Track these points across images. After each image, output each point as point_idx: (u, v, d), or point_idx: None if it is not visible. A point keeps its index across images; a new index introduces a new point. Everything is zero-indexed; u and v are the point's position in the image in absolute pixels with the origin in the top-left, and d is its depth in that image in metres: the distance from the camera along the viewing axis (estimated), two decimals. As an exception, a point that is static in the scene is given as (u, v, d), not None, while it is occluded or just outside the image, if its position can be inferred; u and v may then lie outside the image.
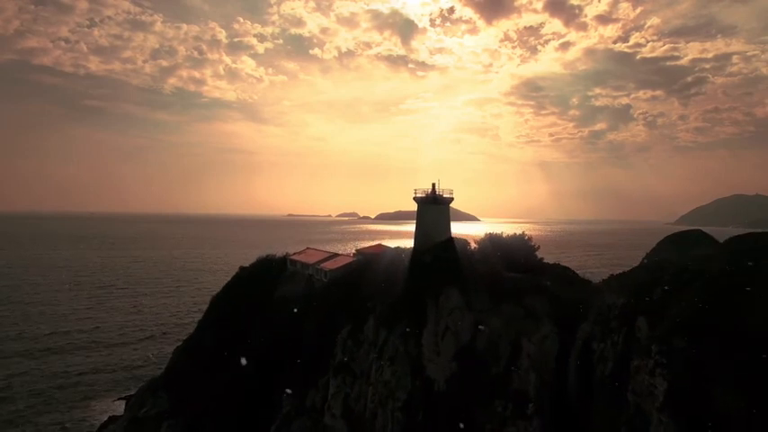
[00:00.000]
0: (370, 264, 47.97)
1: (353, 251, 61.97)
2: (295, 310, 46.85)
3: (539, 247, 52.68)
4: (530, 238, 52.42)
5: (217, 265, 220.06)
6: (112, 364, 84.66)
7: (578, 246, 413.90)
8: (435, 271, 40.17)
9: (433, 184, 49.31)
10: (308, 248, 65.07)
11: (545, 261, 53.43)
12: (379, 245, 62.31)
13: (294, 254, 62.04)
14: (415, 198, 49.24)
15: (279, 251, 66.02)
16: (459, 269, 39.56)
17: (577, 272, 52.69)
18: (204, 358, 52.33)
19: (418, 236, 48.57)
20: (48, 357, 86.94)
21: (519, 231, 54.30)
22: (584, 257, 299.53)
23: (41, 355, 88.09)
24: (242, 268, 62.27)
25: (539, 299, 36.87)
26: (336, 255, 55.92)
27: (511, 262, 48.95)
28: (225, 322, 53.90)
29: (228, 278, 63.65)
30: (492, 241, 52.74)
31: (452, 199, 49.38)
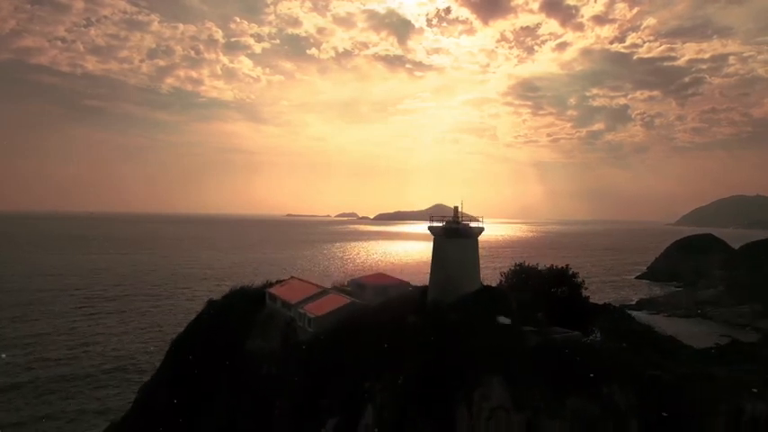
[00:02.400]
0: (368, 312, 35.79)
1: (348, 281, 50.30)
2: (270, 371, 35.13)
3: (584, 282, 41.26)
4: (574, 273, 40.76)
5: (211, 269, 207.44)
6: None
7: (580, 248, 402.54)
8: (466, 345, 27.52)
9: (456, 209, 36.64)
10: (292, 278, 52.90)
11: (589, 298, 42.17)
12: (381, 275, 50.39)
13: (276, 285, 50.00)
14: (430, 228, 36.81)
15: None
16: (503, 342, 27.15)
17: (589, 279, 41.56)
18: (155, 424, 40.63)
19: (436, 282, 35.60)
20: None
21: (559, 264, 42.44)
22: (589, 262, 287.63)
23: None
24: (210, 303, 50.05)
25: (620, 385, 24.88)
26: (325, 291, 43.69)
27: (549, 301, 37.59)
28: (184, 377, 42.07)
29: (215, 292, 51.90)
30: (524, 274, 41.37)
31: (482, 229, 36.78)
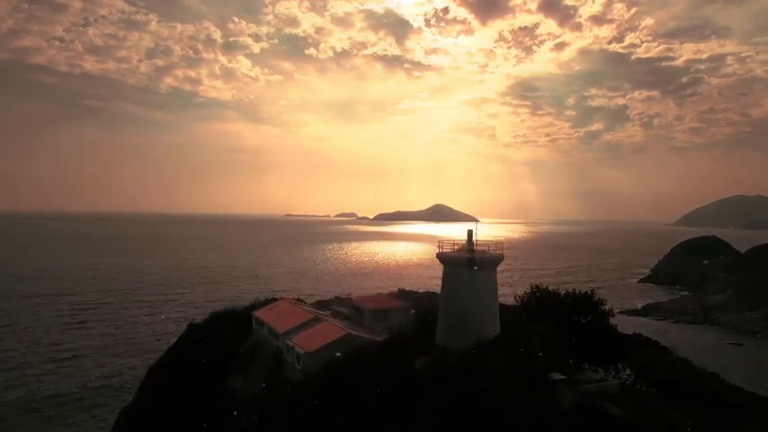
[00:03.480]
0: (367, 350, 30.80)
1: (347, 296, 45.58)
2: (250, 419, 30.24)
3: (611, 310, 36.58)
4: (600, 300, 36.02)
5: (208, 271, 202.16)
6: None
7: (580, 249, 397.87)
8: (490, 405, 22.20)
9: (470, 233, 31.11)
10: (282, 300, 47.79)
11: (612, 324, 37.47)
12: (381, 297, 45.58)
13: (264, 307, 45.08)
14: (440, 257, 31.36)
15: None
16: (538, 407, 22.02)
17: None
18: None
19: (446, 322, 29.92)
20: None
21: (584, 289, 37.68)
22: (590, 263, 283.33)
23: None
24: (191, 328, 45.15)
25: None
26: (317, 318, 38.61)
27: (572, 331, 32.95)
28: (157, 419, 37.22)
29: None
30: (541, 298, 36.70)
31: (502, 257, 31.16)
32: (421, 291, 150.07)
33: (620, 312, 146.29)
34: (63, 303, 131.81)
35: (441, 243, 31.88)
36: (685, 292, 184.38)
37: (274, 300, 47.36)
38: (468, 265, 29.29)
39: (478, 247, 30.76)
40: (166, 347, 48.19)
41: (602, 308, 35.68)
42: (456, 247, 31.54)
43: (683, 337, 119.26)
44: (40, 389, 74.27)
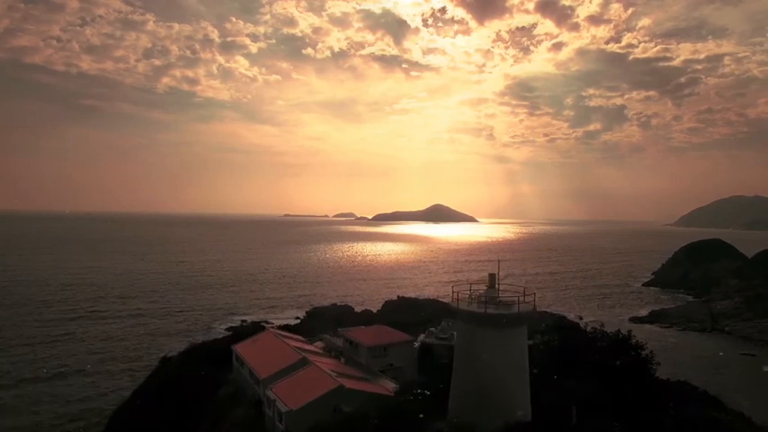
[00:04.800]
0: (364, 415, 25.32)
1: (341, 331, 39.97)
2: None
3: (652, 354, 31.03)
4: (639, 343, 30.56)
5: (204, 275, 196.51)
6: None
7: (581, 250, 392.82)
8: None
9: (493, 278, 24.71)
10: (267, 331, 41.94)
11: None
12: (380, 330, 39.89)
13: (246, 339, 39.55)
14: (454, 310, 24.61)
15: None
16: None
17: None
18: None
19: (461, 391, 23.32)
20: None
21: (621, 331, 32.16)
22: (591, 265, 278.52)
23: None
24: (165, 363, 39.85)
25: None
26: (305, 361, 32.96)
27: (606, 377, 27.87)
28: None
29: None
30: (567, 339, 31.47)
31: (534, 311, 24.50)
32: (421, 298, 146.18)
33: (628, 320, 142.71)
34: (49, 313, 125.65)
35: (455, 291, 24.90)
36: (691, 297, 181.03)
37: (261, 325, 42.07)
38: (494, 323, 22.62)
39: (504, 297, 24.10)
40: (146, 372, 42.07)
41: (642, 352, 30.41)
42: (474, 293, 24.75)
43: (693, 347, 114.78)
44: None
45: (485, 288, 23.59)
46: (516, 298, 23.89)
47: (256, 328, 43.04)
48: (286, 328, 45.56)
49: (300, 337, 40.21)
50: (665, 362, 77.24)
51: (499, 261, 25.52)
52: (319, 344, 39.38)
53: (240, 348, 37.87)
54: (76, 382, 77.51)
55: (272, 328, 41.18)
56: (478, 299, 24.26)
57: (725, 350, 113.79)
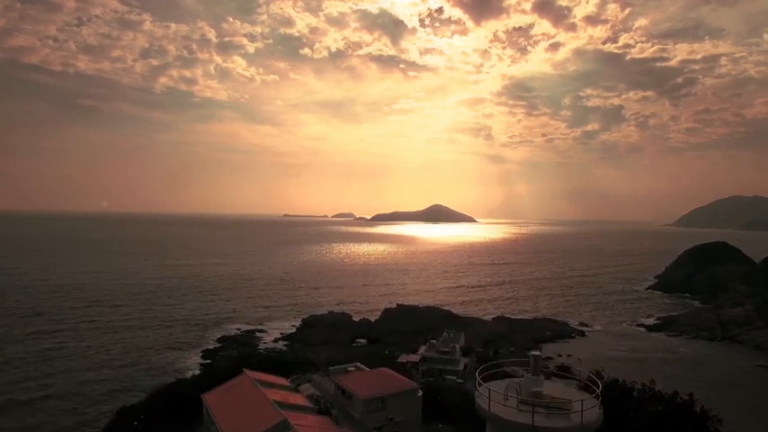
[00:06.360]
0: None
1: (332, 373, 34.40)
2: None
3: (718, 418, 25.20)
4: (704, 410, 24.42)
5: (200, 280, 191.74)
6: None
7: (583, 253, 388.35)
8: None
9: (536, 359, 18.02)
10: (245, 375, 34.99)
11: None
12: (379, 374, 34.25)
13: (219, 387, 33.19)
14: (482, 410, 17.16)
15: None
16: None
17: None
18: None
19: None
20: None
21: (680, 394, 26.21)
22: (592, 267, 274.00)
23: None
24: (121, 415, 34.21)
25: None
26: (285, 426, 25.77)
27: None
28: None
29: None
30: (617, 401, 25.01)
31: (602, 416, 16.96)
32: (421, 305, 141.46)
33: (636, 326, 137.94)
34: (40, 320, 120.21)
35: (480, 376, 17.49)
36: (697, 302, 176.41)
37: (240, 367, 35.31)
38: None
39: (556, 394, 16.77)
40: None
41: (710, 425, 24.30)
42: (510, 384, 17.62)
43: (706, 358, 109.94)
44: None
45: (522, 371, 16.34)
46: (575, 397, 16.74)
47: (234, 368, 36.22)
48: (267, 378, 38.29)
49: (284, 381, 34.56)
50: (686, 381, 71.97)
51: (541, 347, 19.55)
52: (307, 387, 34.02)
53: (210, 400, 32.29)
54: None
55: (250, 373, 33.94)
56: (518, 394, 17.00)
57: (739, 361, 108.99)
